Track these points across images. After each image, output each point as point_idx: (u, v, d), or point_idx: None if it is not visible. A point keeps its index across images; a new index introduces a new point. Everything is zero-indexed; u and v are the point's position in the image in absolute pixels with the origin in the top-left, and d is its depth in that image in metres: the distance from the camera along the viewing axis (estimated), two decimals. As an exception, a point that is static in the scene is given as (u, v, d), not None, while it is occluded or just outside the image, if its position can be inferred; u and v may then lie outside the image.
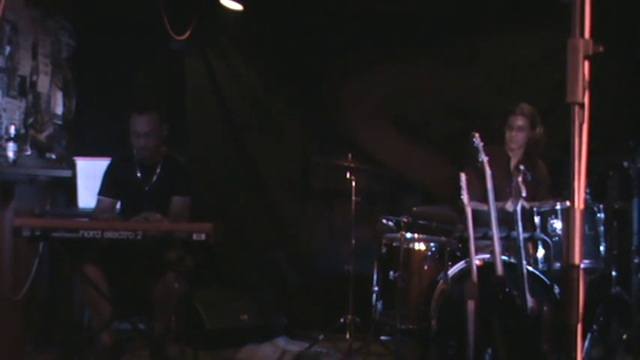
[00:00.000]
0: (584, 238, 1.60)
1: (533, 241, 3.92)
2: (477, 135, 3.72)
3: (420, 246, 4.27)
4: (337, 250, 5.16)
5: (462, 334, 3.58)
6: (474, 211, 3.71)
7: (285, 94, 5.51)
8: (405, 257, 4.19)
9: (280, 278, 5.44)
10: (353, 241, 4.60)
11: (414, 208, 4.48)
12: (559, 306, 3.62)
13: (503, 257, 3.65)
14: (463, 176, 3.77)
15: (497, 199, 3.71)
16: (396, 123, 5.33)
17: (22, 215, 4.13)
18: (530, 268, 3.68)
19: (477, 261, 3.65)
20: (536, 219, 3.91)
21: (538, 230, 3.88)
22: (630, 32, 4.79)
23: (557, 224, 3.90)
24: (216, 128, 5.55)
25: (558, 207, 3.91)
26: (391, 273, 4.23)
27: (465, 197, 3.70)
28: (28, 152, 4.51)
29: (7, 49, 4.21)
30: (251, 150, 5.51)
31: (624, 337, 3.89)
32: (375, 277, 4.41)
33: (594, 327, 3.91)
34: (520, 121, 4.28)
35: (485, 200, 3.69)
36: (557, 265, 3.79)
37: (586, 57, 1.48)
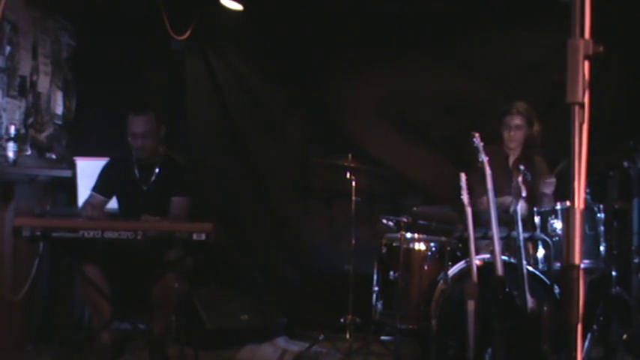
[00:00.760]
0: (584, 238, 1.60)
1: (533, 241, 3.92)
2: (477, 135, 3.72)
3: (420, 246, 4.27)
4: (337, 250, 5.15)
5: (462, 334, 3.58)
6: (473, 211, 3.71)
7: (285, 94, 5.52)
8: (405, 257, 4.19)
9: (280, 278, 5.44)
10: (353, 241, 4.60)
11: (414, 208, 4.47)
12: (559, 306, 3.62)
13: (504, 257, 3.65)
14: (463, 176, 3.77)
15: (496, 196, 3.71)
16: (396, 123, 5.33)
17: (22, 215, 4.13)
18: (530, 268, 3.68)
19: (477, 261, 3.65)
20: (536, 219, 3.91)
21: (538, 230, 3.89)
22: (630, 32, 4.78)
23: (557, 224, 3.90)
24: (216, 128, 5.55)
25: (558, 207, 3.91)
26: (391, 273, 4.23)
27: (465, 197, 3.70)
28: (28, 152, 4.51)
29: (7, 49, 4.21)
30: (251, 150, 5.51)
31: (624, 337, 3.89)
32: (375, 277, 4.41)
33: (594, 327, 3.91)
34: (517, 120, 4.29)
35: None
36: (557, 265, 3.79)
37: (586, 57, 1.48)
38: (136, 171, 4.15)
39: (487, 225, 3.65)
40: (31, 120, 4.56)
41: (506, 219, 3.78)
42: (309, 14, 5.31)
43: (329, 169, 5.27)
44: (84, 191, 4.72)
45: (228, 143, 5.53)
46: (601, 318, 3.93)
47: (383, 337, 4.65)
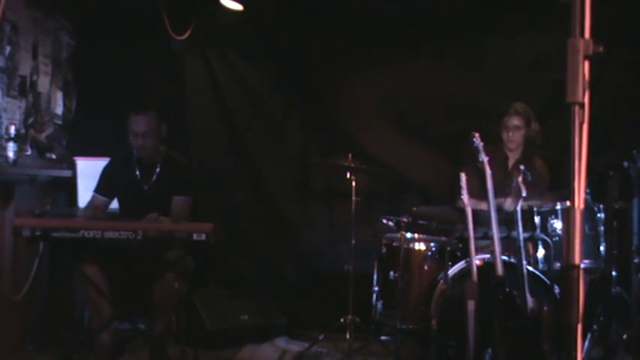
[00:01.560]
0: (584, 238, 1.60)
1: (533, 241, 3.92)
2: (477, 135, 3.72)
3: (420, 246, 4.27)
4: (337, 250, 5.16)
5: (462, 334, 3.58)
6: (473, 211, 3.71)
7: (285, 94, 5.51)
8: (405, 257, 4.19)
9: (280, 278, 5.44)
10: (353, 241, 4.60)
11: (414, 208, 4.47)
12: (559, 306, 3.62)
13: (504, 257, 3.65)
14: (463, 176, 3.77)
15: (495, 197, 3.71)
16: (396, 123, 5.32)
17: (22, 215, 4.14)
18: (530, 268, 3.67)
19: (477, 261, 3.65)
20: (536, 219, 3.91)
21: (538, 230, 3.89)
22: (630, 32, 4.78)
23: (558, 224, 3.90)
24: (216, 128, 5.55)
25: (558, 207, 3.91)
26: (391, 273, 4.22)
27: (465, 197, 3.70)
28: (28, 152, 4.51)
29: (8, 49, 4.21)
30: (251, 150, 5.51)
31: (624, 337, 3.89)
32: (375, 277, 4.40)
33: (594, 327, 3.91)
34: (515, 121, 4.30)
35: (484, 200, 3.69)
36: (558, 265, 3.79)
37: (586, 57, 1.48)
38: (137, 171, 4.15)
39: (487, 225, 3.65)
40: (31, 120, 4.56)
41: (506, 218, 3.78)
42: (309, 14, 5.31)
43: (329, 169, 5.27)
44: (84, 191, 4.72)
45: (228, 143, 5.53)
46: (601, 318, 3.93)
47: (383, 337, 4.65)
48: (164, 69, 5.45)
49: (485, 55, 5.17)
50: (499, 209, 3.83)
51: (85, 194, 4.69)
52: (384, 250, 4.37)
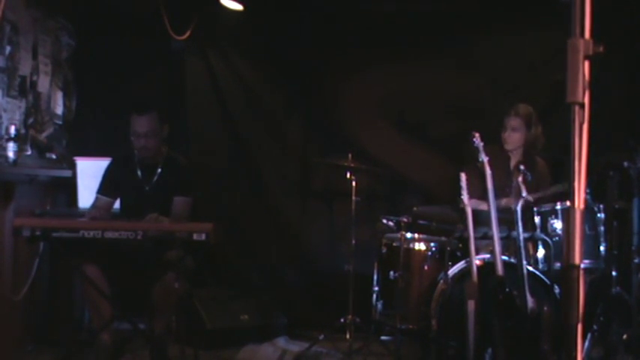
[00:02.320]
0: (584, 238, 1.60)
1: (533, 241, 3.92)
2: (477, 135, 3.72)
3: (420, 246, 4.27)
4: (337, 250, 5.16)
5: (462, 334, 3.58)
6: (473, 211, 3.71)
7: (285, 94, 5.51)
8: (405, 257, 4.19)
9: (280, 278, 5.44)
10: (353, 241, 4.60)
11: (414, 208, 4.47)
12: (559, 306, 3.62)
13: (504, 257, 3.65)
14: (463, 176, 3.77)
15: (496, 198, 3.70)
16: (396, 123, 5.33)
17: (22, 215, 4.14)
18: (530, 268, 3.67)
19: (477, 261, 3.65)
20: (537, 219, 3.91)
21: (538, 230, 3.88)
22: (630, 32, 4.78)
23: (558, 224, 3.90)
24: (216, 128, 5.55)
25: (558, 207, 3.91)
26: (391, 273, 4.23)
27: (465, 197, 3.70)
28: (28, 152, 4.51)
29: (8, 49, 4.21)
30: (251, 150, 5.51)
31: (624, 337, 3.89)
32: (375, 277, 4.41)
33: (594, 327, 3.91)
34: (514, 122, 4.28)
35: (484, 200, 3.69)
36: (558, 265, 3.79)
37: (586, 57, 1.48)
38: (139, 171, 4.15)
39: (487, 225, 3.65)
40: (31, 120, 4.56)
41: (507, 218, 3.78)
42: (309, 14, 5.31)
43: (329, 169, 5.27)
44: (84, 191, 4.73)
45: (228, 143, 5.53)
46: (601, 318, 3.93)
47: (383, 337, 4.66)
48: (164, 69, 5.45)
49: (486, 55, 5.17)
50: (506, 210, 3.82)
51: (85, 194, 4.69)
52: (384, 250, 4.37)
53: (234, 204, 5.46)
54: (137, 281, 3.86)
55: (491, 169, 3.65)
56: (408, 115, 5.32)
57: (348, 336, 4.49)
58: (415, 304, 4.14)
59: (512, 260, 3.67)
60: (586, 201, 3.76)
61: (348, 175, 4.61)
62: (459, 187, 3.74)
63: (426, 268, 4.22)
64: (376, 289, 4.37)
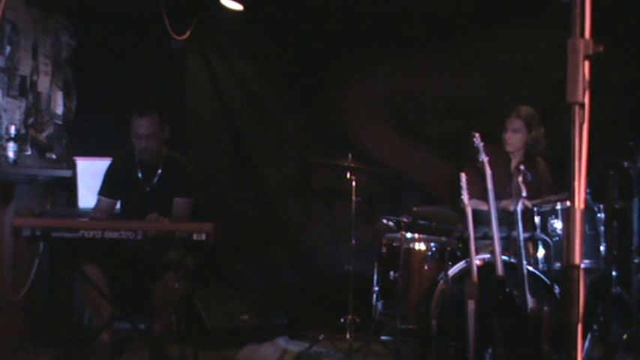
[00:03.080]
0: (584, 238, 1.60)
1: (533, 241, 3.91)
2: (477, 135, 3.72)
3: (421, 246, 4.27)
4: (337, 250, 5.16)
5: (462, 334, 3.58)
6: (474, 211, 3.71)
7: (285, 94, 5.51)
8: (405, 257, 4.19)
9: (280, 278, 5.44)
10: (353, 241, 4.60)
11: (414, 208, 4.47)
12: (559, 306, 3.62)
13: (504, 257, 3.65)
14: (463, 176, 3.77)
15: (497, 199, 3.70)
16: (396, 123, 5.33)
17: (22, 215, 4.14)
18: (530, 268, 3.67)
19: (477, 261, 3.65)
20: (537, 219, 3.91)
21: (538, 230, 3.88)
22: (630, 32, 4.78)
23: (558, 224, 3.89)
24: (217, 128, 5.55)
25: (558, 207, 3.91)
26: (391, 273, 4.23)
27: (465, 197, 3.70)
28: (29, 152, 4.51)
29: (8, 49, 4.21)
30: (251, 150, 5.51)
31: (624, 337, 3.89)
32: (375, 277, 4.41)
33: (594, 327, 3.91)
34: (515, 124, 4.27)
35: (485, 200, 3.69)
36: (558, 265, 3.79)
37: (586, 57, 1.47)
38: (139, 172, 4.14)
39: (487, 225, 3.65)
40: (31, 120, 4.56)
41: (507, 218, 3.78)
42: (309, 14, 5.31)
43: (329, 169, 5.27)
44: (84, 191, 4.73)
45: (229, 143, 5.53)
46: (601, 318, 3.93)
47: (383, 337, 4.65)
48: (164, 69, 5.45)
49: (486, 55, 5.17)
50: (504, 212, 3.82)
51: (85, 194, 4.69)
52: (384, 250, 4.37)
53: (234, 204, 5.46)
54: (137, 281, 3.86)
55: (492, 169, 3.65)
56: (408, 115, 5.32)
57: (348, 336, 4.49)
58: (415, 304, 4.14)
59: (513, 260, 3.67)
60: (586, 201, 3.77)
61: (348, 175, 4.61)
62: (459, 187, 3.74)
63: (426, 268, 4.22)
64: (376, 289, 4.37)
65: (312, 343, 4.57)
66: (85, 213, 4.43)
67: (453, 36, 5.17)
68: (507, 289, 3.56)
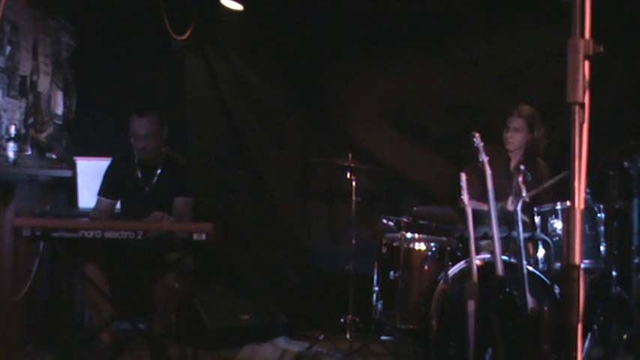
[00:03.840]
0: (584, 238, 1.60)
1: (533, 241, 3.92)
2: (477, 135, 3.72)
3: (421, 246, 4.27)
4: (337, 250, 5.16)
5: (462, 334, 3.58)
6: (474, 211, 3.71)
7: (285, 94, 5.52)
8: (405, 257, 4.19)
9: (280, 278, 5.44)
10: (353, 241, 4.60)
11: (414, 208, 4.47)
12: (559, 306, 3.62)
13: (504, 257, 3.65)
14: (463, 176, 3.77)
15: (497, 198, 3.70)
16: (396, 123, 5.33)
17: (22, 215, 4.14)
18: (530, 268, 3.67)
19: (477, 261, 3.65)
20: (537, 219, 3.91)
21: (538, 230, 3.88)
22: (630, 32, 4.79)
23: (558, 224, 3.89)
24: (217, 128, 5.55)
25: (558, 207, 3.91)
26: (391, 273, 4.23)
27: (465, 197, 3.70)
28: (29, 152, 4.51)
29: (8, 49, 4.21)
30: (251, 150, 5.51)
31: (624, 337, 3.89)
32: (375, 277, 4.41)
33: (594, 327, 3.91)
34: (516, 123, 4.27)
35: (485, 200, 3.69)
36: (558, 265, 3.79)
37: (586, 57, 1.47)
38: (139, 172, 4.14)
39: (487, 225, 3.65)
40: (31, 120, 4.56)
41: (507, 218, 3.78)
42: (309, 14, 5.31)
43: (329, 169, 5.28)
44: (84, 191, 4.73)
45: (228, 143, 5.53)
46: (601, 318, 3.93)
47: (383, 337, 4.65)
48: (164, 69, 5.45)
49: (486, 54, 5.17)
50: (501, 212, 3.82)
51: (85, 194, 4.70)
52: (384, 250, 4.37)
53: (234, 204, 5.47)
54: (137, 281, 3.86)
55: (492, 169, 3.65)
56: (408, 115, 5.33)
57: (348, 336, 4.49)
58: (415, 304, 4.14)
59: (513, 260, 3.67)
60: (586, 201, 3.76)
61: (348, 175, 4.61)
62: (459, 187, 3.74)
63: (426, 268, 4.22)
64: (376, 289, 4.37)
65: (312, 343, 4.57)
66: (85, 213, 4.43)
67: (453, 36, 5.17)
68: (507, 289, 3.55)
